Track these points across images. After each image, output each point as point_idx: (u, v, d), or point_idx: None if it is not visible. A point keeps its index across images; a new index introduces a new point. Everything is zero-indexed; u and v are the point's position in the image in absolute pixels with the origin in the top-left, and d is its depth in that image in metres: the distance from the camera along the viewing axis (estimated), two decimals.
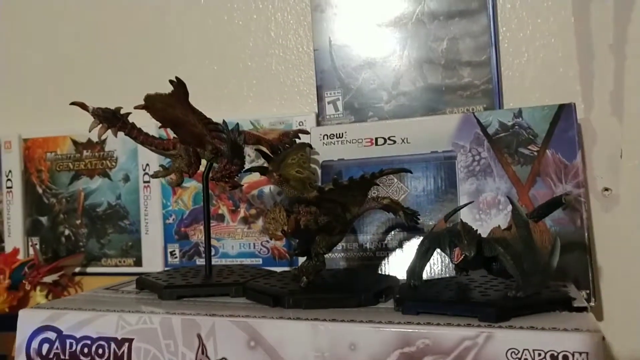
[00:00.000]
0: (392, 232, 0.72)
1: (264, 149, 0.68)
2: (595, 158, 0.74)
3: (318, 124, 0.82)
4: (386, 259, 0.72)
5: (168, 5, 0.92)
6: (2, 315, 0.85)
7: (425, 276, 0.55)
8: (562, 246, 0.52)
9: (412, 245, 0.70)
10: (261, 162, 0.69)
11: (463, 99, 0.77)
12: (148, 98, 0.55)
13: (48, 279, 0.87)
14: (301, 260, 0.61)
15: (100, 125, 0.65)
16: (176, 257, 0.87)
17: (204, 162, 0.67)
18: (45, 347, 0.56)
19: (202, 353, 0.52)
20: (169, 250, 0.87)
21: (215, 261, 0.83)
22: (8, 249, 0.93)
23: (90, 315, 0.55)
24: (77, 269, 0.92)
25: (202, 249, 0.84)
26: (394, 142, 0.75)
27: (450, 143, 0.72)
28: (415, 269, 0.55)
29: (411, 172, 0.70)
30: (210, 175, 0.65)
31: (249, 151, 0.79)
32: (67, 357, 0.55)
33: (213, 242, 0.84)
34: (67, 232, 0.93)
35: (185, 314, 0.53)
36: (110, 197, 0.91)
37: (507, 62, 0.77)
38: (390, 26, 0.80)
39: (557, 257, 0.51)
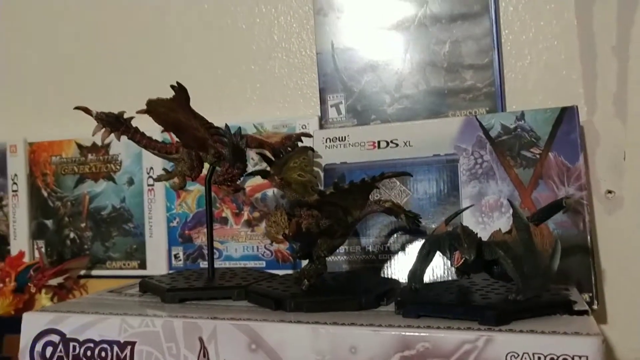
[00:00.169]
0: (395, 235, 0.73)
1: (266, 153, 0.68)
2: (599, 160, 0.73)
3: (321, 127, 0.82)
4: (389, 262, 0.72)
5: (171, 8, 0.93)
6: (8, 318, 0.85)
7: (427, 279, 0.55)
8: (564, 249, 0.52)
9: (415, 249, 0.70)
10: (264, 165, 0.70)
11: (465, 101, 0.77)
12: (150, 103, 0.55)
13: (53, 281, 0.88)
14: (304, 263, 0.62)
15: (104, 129, 0.65)
16: (180, 260, 0.87)
17: (206, 165, 0.67)
18: (49, 350, 0.56)
19: (204, 356, 0.52)
20: (173, 253, 0.88)
21: (218, 264, 0.84)
22: (14, 252, 0.94)
23: (93, 318, 0.56)
24: (82, 272, 0.92)
25: (205, 251, 0.84)
26: (397, 145, 0.75)
27: (452, 146, 0.72)
28: (416, 272, 0.55)
29: (411, 176, 0.71)
30: (213, 178, 0.66)
31: (252, 155, 0.80)
32: None
33: (217, 245, 0.85)
34: (72, 235, 0.94)
35: (187, 317, 0.54)
36: (115, 200, 0.92)
37: (509, 65, 0.77)
38: (393, 29, 0.80)
39: (557, 260, 0.51)
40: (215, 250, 0.84)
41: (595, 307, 0.65)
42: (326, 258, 0.60)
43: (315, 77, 0.84)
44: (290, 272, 0.77)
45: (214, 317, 0.53)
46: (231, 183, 0.64)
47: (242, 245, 0.85)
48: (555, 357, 0.43)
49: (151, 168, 0.89)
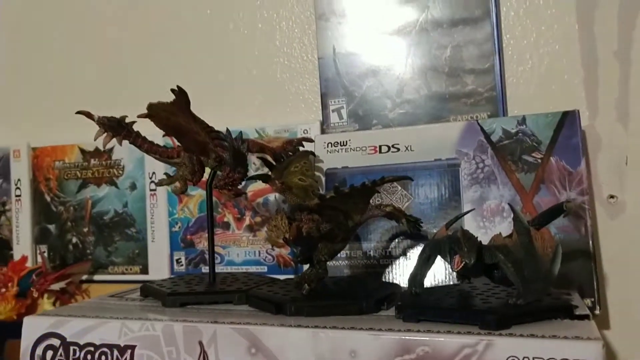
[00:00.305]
0: (396, 240, 0.72)
1: (267, 157, 0.68)
2: (601, 165, 0.73)
3: (322, 131, 0.82)
4: (390, 267, 0.72)
5: (173, 14, 0.93)
6: (10, 323, 0.85)
7: (428, 284, 0.55)
8: (566, 254, 0.52)
9: (417, 253, 0.70)
10: (266, 170, 0.70)
11: (467, 106, 0.77)
12: (151, 107, 0.56)
13: (55, 286, 0.88)
14: (305, 268, 0.61)
15: (106, 133, 0.65)
16: (182, 265, 0.87)
17: (208, 170, 0.67)
18: (49, 354, 0.56)
19: None
20: (175, 258, 0.88)
21: (220, 269, 0.84)
22: (17, 256, 0.94)
23: (93, 322, 0.56)
24: (85, 277, 0.92)
25: (207, 256, 0.84)
26: (398, 149, 0.75)
27: (454, 151, 0.72)
28: (417, 276, 0.55)
29: (412, 180, 0.71)
30: (214, 183, 0.66)
31: (254, 159, 0.80)
32: None
33: (219, 249, 0.85)
34: (74, 239, 0.94)
35: (187, 321, 0.54)
36: (117, 205, 0.92)
37: (511, 70, 0.77)
38: (394, 34, 0.80)
39: (558, 264, 0.51)
40: (217, 255, 0.84)
41: (597, 312, 0.65)
42: (327, 262, 0.60)
43: (316, 82, 0.84)
44: (291, 276, 0.77)
45: (214, 321, 0.53)
46: (232, 187, 0.64)
47: (244, 250, 0.85)
48: None
49: (153, 173, 0.89)
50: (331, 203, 0.56)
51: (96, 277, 0.92)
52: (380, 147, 0.76)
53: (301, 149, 0.74)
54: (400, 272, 0.71)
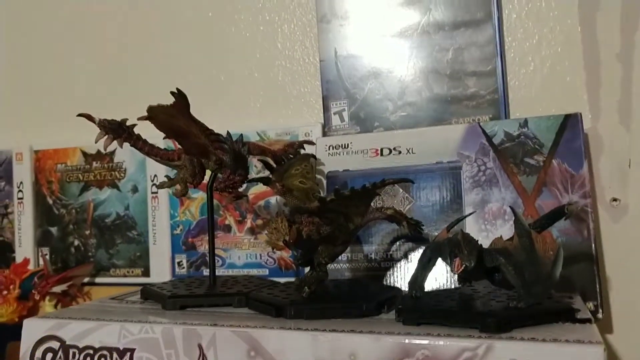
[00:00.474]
0: (398, 243, 0.72)
1: (268, 160, 0.68)
2: (603, 168, 0.73)
3: (324, 134, 0.82)
4: (391, 270, 0.72)
5: (175, 16, 0.93)
6: (12, 325, 0.85)
7: (430, 287, 0.55)
8: (568, 257, 0.52)
9: (417, 256, 0.69)
10: (267, 173, 0.70)
11: (469, 109, 0.77)
12: (151, 109, 0.56)
13: (57, 289, 0.88)
14: (307, 271, 0.61)
15: (107, 136, 0.65)
16: (183, 268, 0.87)
17: (209, 172, 0.67)
18: (49, 356, 0.56)
19: None
20: (177, 260, 0.88)
21: (222, 272, 0.83)
22: (19, 259, 0.94)
23: (93, 324, 0.56)
24: (86, 279, 0.92)
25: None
26: (399, 152, 0.75)
27: (455, 153, 0.72)
28: (417, 279, 0.55)
29: (413, 182, 0.70)
30: (214, 185, 0.66)
31: (256, 162, 0.80)
32: None
33: (220, 252, 0.84)
34: (76, 242, 0.94)
35: (187, 324, 0.53)
36: (119, 207, 0.92)
37: (513, 72, 0.77)
38: (396, 37, 0.80)
39: (560, 267, 0.51)
40: (218, 258, 0.84)
41: (600, 316, 0.64)
42: (327, 265, 0.60)
43: (318, 84, 0.84)
44: (293, 279, 0.77)
45: (213, 324, 0.53)
46: (233, 190, 0.64)
47: (245, 252, 0.84)
48: None
49: (155, 176, 0.89)
50: (332, 206, 0.55)
51: (98, 280, 0.92)
52: (381, 149, 0.75)
53: (302, 151, 0.73)
54: (401, 275, 0.71)
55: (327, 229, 0.57)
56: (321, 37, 0.84)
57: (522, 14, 0.77)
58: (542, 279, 0.50)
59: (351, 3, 0.82)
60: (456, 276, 0.57)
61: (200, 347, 0.52)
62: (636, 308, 0.71)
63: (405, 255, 0.72)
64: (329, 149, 0.77)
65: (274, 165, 0.68)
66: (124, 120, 0.66)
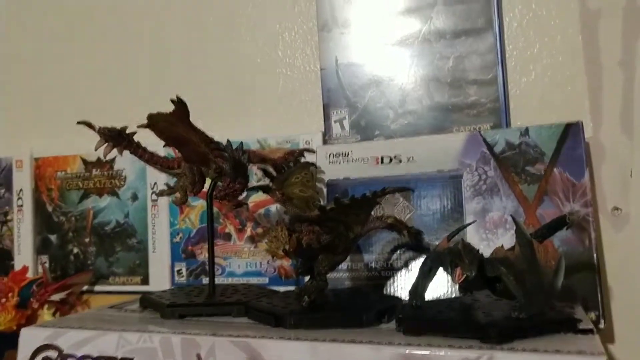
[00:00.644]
0: (398, 252, 0.72)
1: (268, 168, 0.68)
2: (605, 177, 0.73)
3: (325, 142, 0.82)
4: (391, 279, 0.71)
5: (175, 24, 0.93)
6: (10, 333, 0.85)
7: (430, 297, 0.54)
8: (570, 267, 0.51)
9: (418, 265, 0.69)
10: (268, 181, 0.69)
11: (470, 117, 0.77)
12: (151, 117, 0.55)
13: (56, 297, 0.87)
14: (307, 280, 0.61)
15: (106, 144, 0.65)
16: (183, 276, 0.87)
17: (209, 180, 0.67)
18: None
19: None
20: (176, 268, 0.87)
21: (221, 280, 0.83)
22: (18, 266, 0.94)
23: (91, 333, 0.55)
24: (85, 288, 0.92)
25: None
26: (400, 161, 0.74)
27: (456, 162, 0.72)
28: (418, 288, 0.54)
29: (413, 191, 0.70)
30: (214, 193, 0.65)
31: (256, 171, 0.79)
32: None
33: (219, 261, 0.84)
34: (75, 250, 0.93)
35: (186, 333, 0.53)
36: (119, 215, 0.91)
37: (514, 81, 0.77)
38: (397, 45, 0.80)
39: (561, 277, 0.50)
40: (217, 267, 0.84)
41: (602, 326, 0.64)
42: (327, 274, 0.59)
43: (319, 92, 0.84)
44: (292, 288, 0.76)
45: (212, 333, 0.53)
46: (232, 198, 0.64)
47: (245, 261, 0.84)
48: None
49: (155, 183, 0.89)
50: (332, 214, 0.55)
51: (97, 288, 0.92)
52: (382, 158, 0.75)
53: (302, 159, 0.73)
54: (402, 285, 0.70)
55: (327, 237, 0.56)
56: (322, 45, 0.84)
57: (523, 23, 0.77)
58: (544, 289, 0.49)
59: (352, 11, 0.82)
60: (457, 286, 0.56)
61: (198, 357, 0.51)
62: (638, 318, 0.70)
63: (406, 265, 0.71)
64: (330, 157, 0.77)
65: (274, 174, 0.67)
66: (124, 128, 0.65)
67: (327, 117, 0.83)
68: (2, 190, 0.98)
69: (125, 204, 0.91)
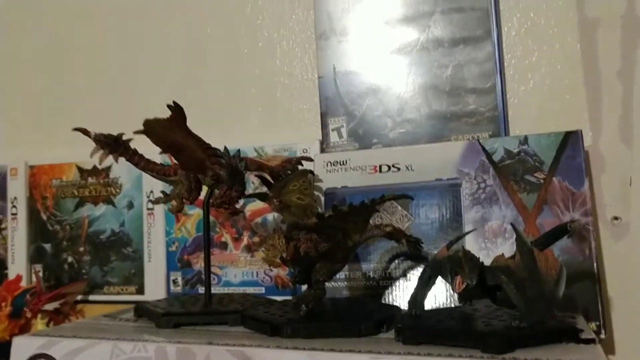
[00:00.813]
0: (396, 261, 0.71)
1: (266, 175, 0.67)
2: (605, 186, 0.72)
3: (322, 151, 0.81)
4: (390, 288, 0.70)
5: (173, 32, 0.93)
6: (3, 343, 0.84)
7: (429, 306, 0.54)
8: (570, 276, 0.51)
9: (417, 274, 0.68)
10: (265, 189, 0.69)
11: (468, 126, 0.76)
12: (147, 123, 0.55)
13: (49, 306, 0.86)
14: (304, 289, 0.60)
15: (102, 150, 0.64)
16: (179, 286, 0.86)
17: (205, 188, 0.66)
18: None
19: None
20: (172, 278, 0.86)
21: (217, 290, 0.82)
22: (11, 275, 0.92)
23: (84, 343, 0.54)
24: (79, 297, 0.91)
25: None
26: (398, 169, 0.74)
27: (455, 170, 0.71)
28: (417, 297, 0.54)
29: (412, 199, 0.69)
30: (211, 201, 0.65)
31: (253, 179, 0.79)
32: None
33: (216, 270, 0.83)
34: (70, 259, 0.92)
35: (181, 343, 0.52)
36: (114, 224, 0.91)
37: (512, 89, 0.77)
38: (395, 53, 0.80)
39: (563, 286, 0.50)
40: (214, 276, 0.83)
41: (602, 336, 0.63)
42: (325, 283, 0.58)
43: (316, 100, 0.84)
44: (289, 298, 0.75)
45: (208, 342, 0.52)
46: (229, 205, 0.63)
47: (242, 270, 0.83)
48: None
49: (151, 192, 0.88)
50: (330, 222, 0.55)
51: (91, 298, 0.91)
52: (380, 166, 0.75)
53: (300, 168, 0.73)
54: (401, 294, 0.69)
55: (325, 245, 0.56)
56: (320, 54, 0.83)
57: (522, 31, 0.77)
58: (545, 298, 0.49)
59: (350, 20, 0.82)
60: (456, 295, 0.55)
61: None
62: (639, 329, 0.69)
63: (404, 274, 0.70)
64: (327, 165, 0.77)
65: (272, 181, 0.67)
66: (120, 135, 0.65)
67: (324, 126, 0.82)
68: None
69: (120, 213, 0.90)
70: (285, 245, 0.53)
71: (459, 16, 0.78)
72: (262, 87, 0.88)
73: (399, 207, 0.72)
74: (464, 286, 0.48)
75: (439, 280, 0.54)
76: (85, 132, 0.64)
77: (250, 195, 0.67)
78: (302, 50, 0.87)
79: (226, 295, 0.73)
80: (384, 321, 0.55)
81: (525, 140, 0.70)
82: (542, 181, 0.68)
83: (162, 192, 0.68)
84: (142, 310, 0.65)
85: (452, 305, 0.65)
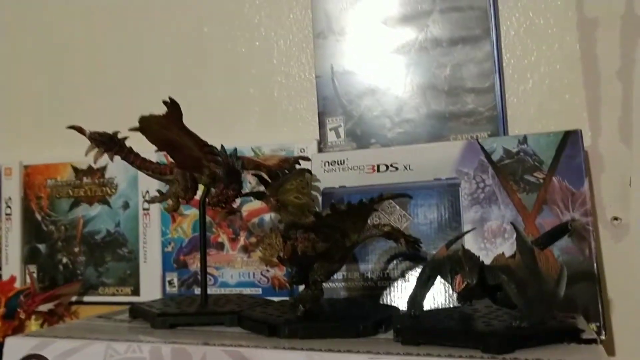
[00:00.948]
0: (395, 261, 0.70)
1: (263, 174, 0.67)
2: (604, 186, 0.72)
3: (320, 150, 0.81)
4: (388, 288, 0.70)
5: (171, 33, 0.92)
6: None
7: (428, 307, 0.53)
8: (570, 276, 0.50)
9: (416, 274, 0.68)
10: (262, 188, 0.68)
11: (467, 125, 0.76)
12: (143, 120, 0.54)
13: (43, 307, 0.85)
14: (302, 289, 0.59)
15: (97, 149, 0.64)
16: (174, 287, 0.85)
17: (201, 187, 0.65)
18: None
19: None
20: (167, 279, 0.85)
21: (214, 291, 0.81)
22: (5, 276, 0.92)
23: (78, 343, 0.53)
24: (74, 298, 0.90)
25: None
26: (397, 169, 0.73)
27: (454, 170, 0.71)
28: (416, 298, 0.53)
29: (411, 198, 0.69)
30: (207, 200, 0.64)
31: (250, 179, 0.78)
32: None
33: (212, 271, 0.82)
34: (65, 260, 0.91)
35: (177, 343, 0.51)
36: (110, 224, 0.90)
37: (511, 89, 0.76)
38: (393, 53, 0.79)
39: (563, 286, 0.49)
40: (210, 277, 0.82)
41: (603, 337, 0.62)
42: (323, 283, 0.58)
43: (314, 100, 0.83)
44: (286, 299, 0.75)
45: (204, 343, 0.51)
46: (225, 204, 0.62)
47: (238, 271, 0.82)
48: None
49: (147, 192, 0.88)
50: (328, 221, 0.54)
51: (86, 299, 0.90)
52: (378, 166, 0.74)
53: (297, 167, 0.72)
54: (399, 294, 0.69)
55: (323, 245, 0.55)
56: (317, 53, 0.83)
57: (521, 31, 0.76)
58: (546, 297, 0.48)
59: (348, 19, 0.82)
60: (456, 294, 0.55)
61: None
62: (638, 329, 0.69)
63: (403, 274, 0.70)
64: (325, 165, 0.76)
65: (269, 180, 0.66)
66: (116, 133, 0.64)
67: (322, 125, 0.82)
68: None
69: (116, 213, 0.89)
70: (282, 245, 0.53)
71: (458, 15, 0.77)
72: (259, 87, 0.88)
73: (398, 207, 0.72)
74: (464, 285, 0.47)
75: (438, 280, 0.53)
76: (80, 130, 0.63)
77: (247, 194, 0.66)
78: (299, 50, 0.86)
79: (222, 296, 0.72)
80: (382, 322, 0.55)
81: (524, 139, 0.69)
82: (541, 181, 0.68)
83: (158, 191, 0.68)
84: (137, 311, 0.64)
85: (451, 306, 0.64)
